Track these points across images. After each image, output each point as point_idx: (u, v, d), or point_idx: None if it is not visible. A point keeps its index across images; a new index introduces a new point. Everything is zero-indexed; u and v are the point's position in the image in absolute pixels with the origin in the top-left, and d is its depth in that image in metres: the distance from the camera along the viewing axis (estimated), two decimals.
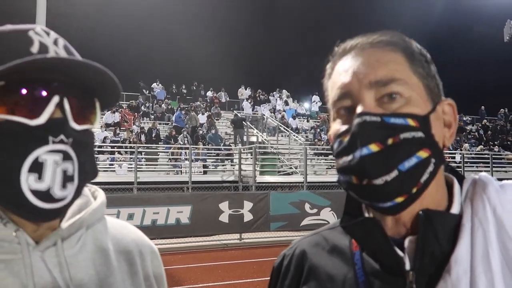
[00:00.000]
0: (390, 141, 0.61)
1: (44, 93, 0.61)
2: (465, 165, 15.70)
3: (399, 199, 0.62)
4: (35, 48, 0.63)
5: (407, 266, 0.63)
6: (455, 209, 0.66)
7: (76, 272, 0.67)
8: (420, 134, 0.62)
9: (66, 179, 0.62)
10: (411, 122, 0.62)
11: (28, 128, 0.59)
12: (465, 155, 16.76)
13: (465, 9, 32.36)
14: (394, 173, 0.60)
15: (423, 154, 0.62)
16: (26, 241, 0.63)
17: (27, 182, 0.58)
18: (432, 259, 0.62)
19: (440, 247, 0.63)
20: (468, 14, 32.94)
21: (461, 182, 0.70)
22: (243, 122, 18.17)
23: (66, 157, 0.62)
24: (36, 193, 0.59)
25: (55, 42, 0.66)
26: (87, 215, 0.70)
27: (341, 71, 0.67)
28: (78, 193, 0.66)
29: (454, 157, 17.16)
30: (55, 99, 0.62)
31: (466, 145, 19.66)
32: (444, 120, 0.67)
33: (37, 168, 0.59)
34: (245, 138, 17.85)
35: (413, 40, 0.69)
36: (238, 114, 19.99)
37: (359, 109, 0.63)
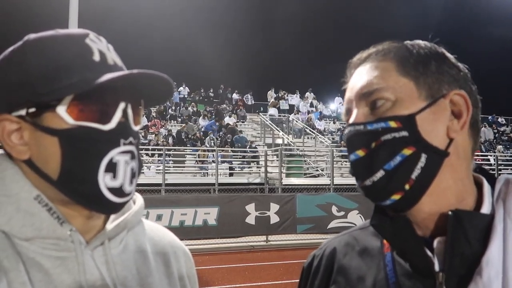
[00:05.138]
0: (373, 144, 0.65)
1: (113, 100, 0.66)
2: (499, 167, 15.12)
3: (395, 197, 0.64)
4: (96, 57, 0.66)
5: (436, 267, 0.63)
6: (485, 209, 0.65)
7: (121, 270, 0.70)
8: (403, 133, 0.64)
9: (133, 175, 0.68)
10: (392, 124, 0.64)
11: (103, 132, 0.64)
12: (499, 158, 16.15)
13: (498, 1, 30.98)
14: (380, 173, 0.64)
15: (407, 151, 0.63)
16: (79, 240, 0.67)
17: (104, 181, 0.64)
18: (462, 260, 0.62)
19: (471, 248, 0.62)
20: (500, 7, 31.63)
21: (491, 182, 0.69)
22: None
23: (133, 156, 0.68)
24: (111, 190, 0.65)
25: (108, 48, 0.70)
26: (130, 217, 0.74)
27: (347, 88, 0.73)
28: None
29: (488, 160, 16.57)
30: (122, 105, 0.67)
31: (500, 147, 18.96)
32: (453, 111, 0.67)
33: (112, 168, 0.65)
34: (270, 140, 17.98)
35: (409, 43, 0.71)
36: (260, 114, 20.19)
37: (349, 121, 0.70)
